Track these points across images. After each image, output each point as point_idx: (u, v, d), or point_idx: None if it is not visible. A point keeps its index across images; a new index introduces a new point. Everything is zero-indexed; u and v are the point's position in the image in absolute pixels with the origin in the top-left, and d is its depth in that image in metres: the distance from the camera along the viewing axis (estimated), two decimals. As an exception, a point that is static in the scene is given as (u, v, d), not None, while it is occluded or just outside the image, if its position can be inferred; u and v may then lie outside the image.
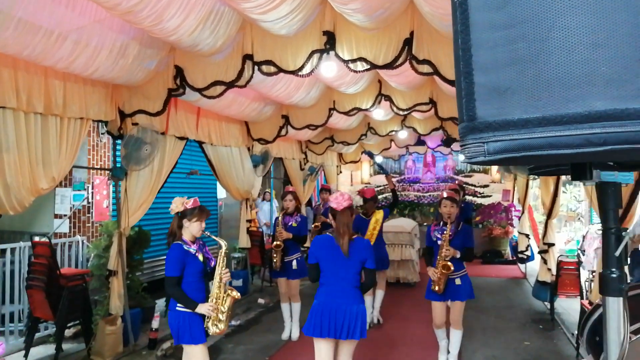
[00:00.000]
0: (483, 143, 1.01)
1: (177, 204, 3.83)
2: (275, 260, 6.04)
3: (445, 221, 4.71)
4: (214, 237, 4.11)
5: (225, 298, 3.86)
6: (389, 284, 8.31)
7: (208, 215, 3.93)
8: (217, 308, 3.79)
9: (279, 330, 6.39)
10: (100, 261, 6.08)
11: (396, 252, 9.07)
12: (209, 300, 3.82)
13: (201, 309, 3.73)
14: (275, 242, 6.02)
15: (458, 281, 4.81)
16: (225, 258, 3.97)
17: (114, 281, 5.62)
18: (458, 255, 4.71)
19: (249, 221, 8.65)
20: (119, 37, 4.47)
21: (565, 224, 16.57)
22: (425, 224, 14.31)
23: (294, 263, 6.10)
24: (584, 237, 10.72)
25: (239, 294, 3.93)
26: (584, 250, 10.21)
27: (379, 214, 6.46)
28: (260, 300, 7.99)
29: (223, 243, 4.00)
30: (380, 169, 11.95)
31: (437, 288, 4.78)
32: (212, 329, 3.80)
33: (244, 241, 8.50)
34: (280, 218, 6.14)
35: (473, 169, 16.17)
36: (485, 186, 14.99)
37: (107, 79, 4.91)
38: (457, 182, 13.89)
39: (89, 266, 6.32)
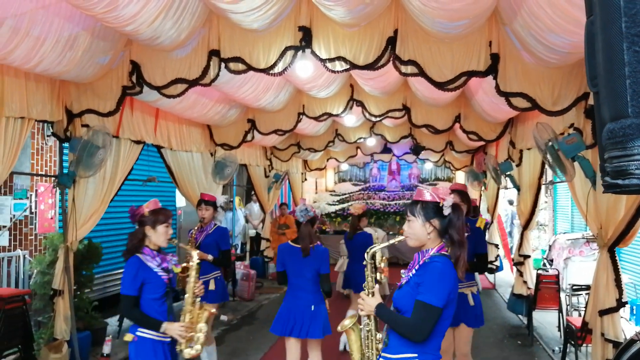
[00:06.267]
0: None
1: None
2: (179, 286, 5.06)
3: None
4: (182, 246, 3.60)
5: (200, 315, 3.33)
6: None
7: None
8: (191, 327, 3.25)
9: (244, 351, 5.88)
10: (44, 279, 5.43)
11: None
12: (181, 319, 3.27)
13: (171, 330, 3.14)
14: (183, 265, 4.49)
15: (471, 300, 3.93)
16: (197, 269, 3.47)
17: (60, 302, 4.99)
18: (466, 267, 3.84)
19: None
20: (67, 26, 3.91)
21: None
22: (391, 232, 14.05)
23: (211, 283, 4.93)
24: (550, 246, 10.69)
25: (215, 309, 3.45)
26: (551, 260, 10.16)
27: None
28: (223, 317, 7.43)
29: (194, 253, 3.48)
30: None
31: None
32: (187, 352, 3.25)
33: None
34: (194, 231, 5.12)
35: (437, 177, 16.06)
36: (451, 195, 14.84)
37: (53, 73, 4.33)
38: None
39: (31, 284, 5.66)
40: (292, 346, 4.14)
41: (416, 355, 2.29)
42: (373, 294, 2.47)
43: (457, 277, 2.30)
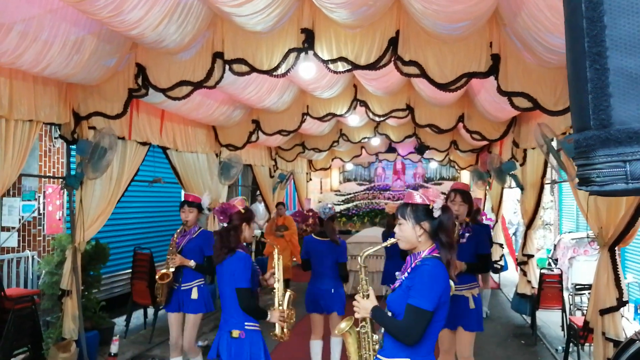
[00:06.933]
0: (624, 162, 0.67)
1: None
2: (159, 294, 4.59)
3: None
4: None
5: (283, 300, 3.58)
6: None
7: None
8: (286, 312, 3.54)
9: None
10: (52, 279, 5.51)
11: (370, 264, 8.74)
12: (276, 305, 3.52)
13: (274, 317, 3.44)
14: (162, 271, 4.48)
15: (472, 303, 3.83)
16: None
17: (68, 302, 5.07)
18: (464, 268, 3.75)
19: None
20: (74, 30, 3.98)
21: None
22: (396, 232, 14.07)
23: (194, 292, 4.59)
24: (555, 245, 10.69)
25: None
26: (556, 260, 10.16)
27: None
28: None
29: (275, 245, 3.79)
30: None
31: None
32: (281, 334, 3.53)
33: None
34: (175, 235, 4.67)
35: (442, 177, 16.09)
36: (456, 194, 14.85)
37: (60, 76, 4.40)
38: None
39: (40, 284, 5.75)
40: (317, 321, 4.92)
41: (408, 359, 2.29)
42: (368, 297, 2.46)
43: (449, 279, 2.29)
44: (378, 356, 2.44)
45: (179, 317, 4.62)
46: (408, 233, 2.37)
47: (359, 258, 2.59)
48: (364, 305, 2.43)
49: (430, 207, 2.34)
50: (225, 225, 3.34)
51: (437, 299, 2.22)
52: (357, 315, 2.50)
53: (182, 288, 4.53)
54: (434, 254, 2.33)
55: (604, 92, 0.67)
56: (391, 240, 2.54)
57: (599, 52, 0.66)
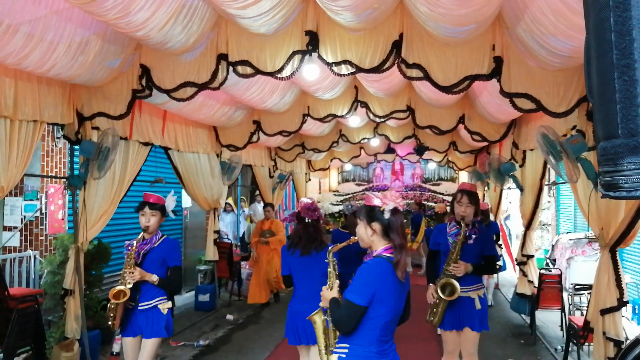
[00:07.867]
0: (653, 170, 0.69)
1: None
2: (112, 316, 3.71)
3: (458, 222, 3.85)
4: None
5: None
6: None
7: None
8: None
9: (251, 350, 5.97)
10: (54, 278, 5.52)
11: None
12: None
13: None
14: (117, 288, 3.67)
15: (477, 303, 3.86)
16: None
17: (70, 301, 5.08)
18: (470, 270, 3.81)
19: (217, 232, 8.18)
20: (79, 31, 4.00)
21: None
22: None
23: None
24: (553, 246, 10.74)
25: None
26: (554, 260, 10.21)
27: None
28: (229, 317, 7.53)
29: None
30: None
31: (432, 319, 3.87)
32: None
33: (211, 253, 8.03)
34: (135, 243, 3.81)
35: (441, 177, 16.15)
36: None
37: (65, 77, 4.42)
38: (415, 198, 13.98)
39: (42, 284, 5.76)
40: None
41: (348, 346, 2.46)
42: (332, 289, 2.67)
43: (395, 278, 2.40)
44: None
45: (136, 342, 3.87)
46: (361, 232, 2.58)
47: (328, 254, 2.81)
48: (325, 296, 2.65)
49: (382, 209, 2.49)
50: (310, 221, 3.87)
51: (371, 296, 2.36)
52: (321, 304, 2.73)
53: (139, 308, 3.78)
54: (386, 254, 2.47)
55: (633, 103, 0.70)
56: (353, 239, 2.72)
57: (628, 64, 0.69)
